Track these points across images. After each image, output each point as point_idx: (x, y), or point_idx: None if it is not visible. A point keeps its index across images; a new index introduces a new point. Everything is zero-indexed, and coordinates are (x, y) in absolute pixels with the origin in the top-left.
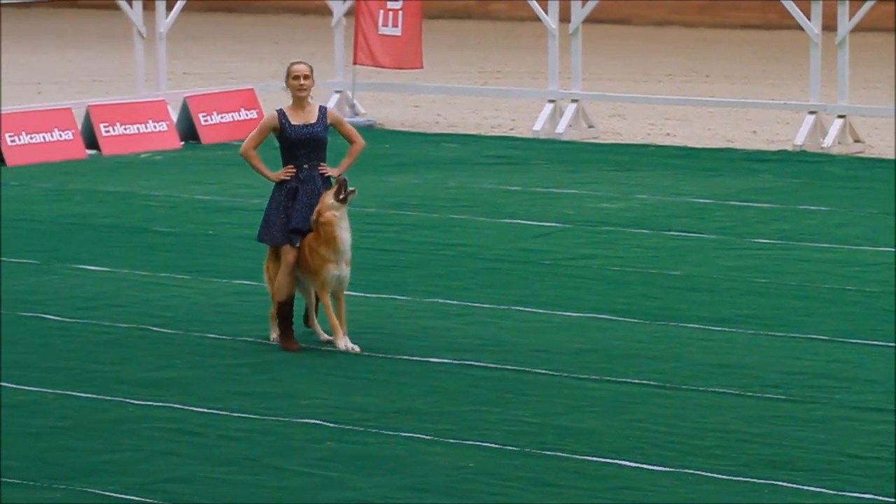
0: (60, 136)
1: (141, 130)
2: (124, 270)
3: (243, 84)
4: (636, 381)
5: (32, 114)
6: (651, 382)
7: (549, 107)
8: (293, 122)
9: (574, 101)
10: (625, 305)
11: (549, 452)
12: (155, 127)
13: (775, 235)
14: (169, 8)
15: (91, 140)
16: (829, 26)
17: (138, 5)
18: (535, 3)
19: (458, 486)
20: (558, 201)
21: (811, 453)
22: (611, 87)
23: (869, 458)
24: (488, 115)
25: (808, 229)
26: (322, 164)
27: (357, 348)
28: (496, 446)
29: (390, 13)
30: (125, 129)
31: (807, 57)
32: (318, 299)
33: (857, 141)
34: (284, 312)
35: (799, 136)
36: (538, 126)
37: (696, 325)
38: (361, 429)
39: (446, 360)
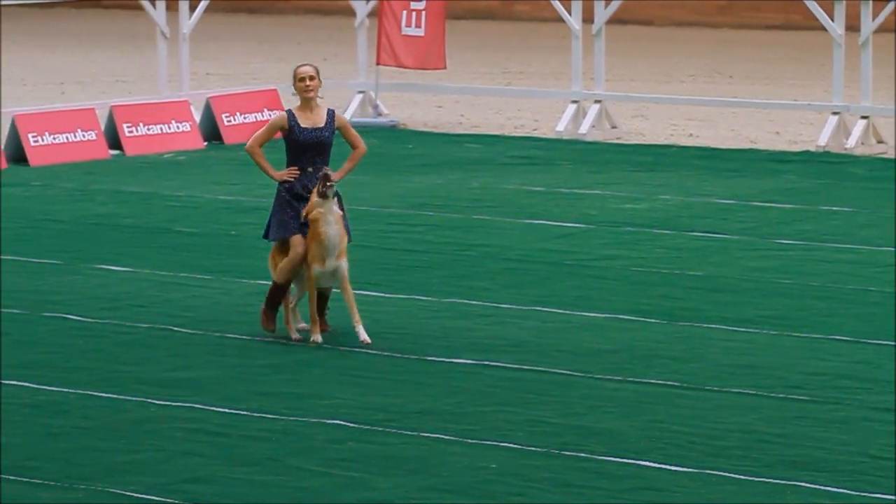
0: (84, 136)
1: (164, 131)
2: (147, 271)
3: (266, 84)
4: (658, 381)
5: (56, 114)
6: (673, 383)
7: (572, 107)
8: (302, 125)
9: (597, 101)
10: (647, 306)
11: (570, 453)
12: (178, 127)
13: (798, 236)
14: (192, 8)
15: (114, 140)
16: (853, 27)
17: (161, 6)
18: (558, 3)
19: (479, 486)
20: (581, 202)
21: (833, 454)
22: (634, 88)
23: (891, 459)
24: (511, 115)
25: (831, 230)
26: (326, 167)
27: (368, 340)
28: (518, 447)
29: (413, 14)
30: (148, 129)
31: (830, 57)
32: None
33: (880, 142)
34: (277, 296)
35: (822, 137)
36: (561, 126)
37: (719, 326)
38: (383, 429)
39: (468, 361)
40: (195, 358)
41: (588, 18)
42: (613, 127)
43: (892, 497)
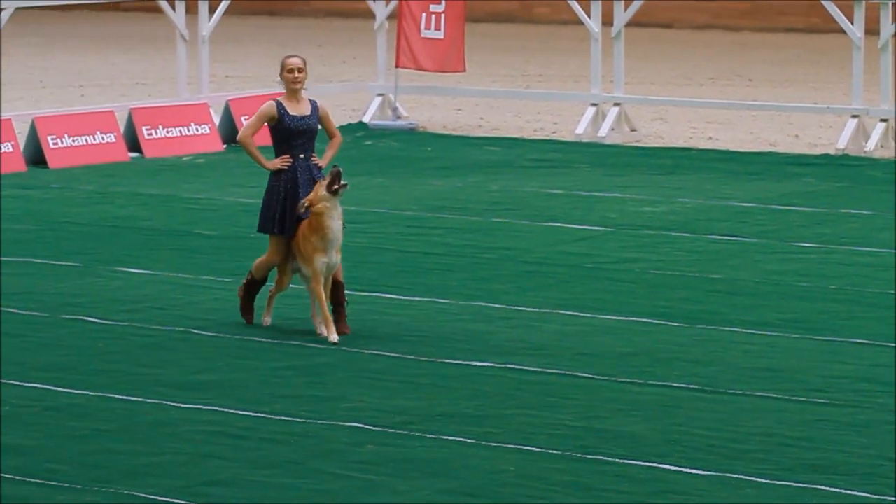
0: (103, 138)
1: (183, 133)
2: (166, 273)
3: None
4: (678, 384)
5: (75, 116)
6: (693, 386)
7: (591, 110)
8: (291, 113)
9: (616, 104)
10: (667, 309)
11: (591, 456)
12: (197, 130)
13: (817, 239)
14: (212, 11)
15: (133, 143)
16: (872, 30)
17: (181, 8)
18: (577, 6)
19: (500, 489)
20: (600, 205)
21: (854, 457)
22: (653, 91)
23: None
24: (531, 118)
25: (851, 233)
26: (314, 154)
27: (336, 339)
28: (539, 450)
29: (433, 16)
30: (167, 131)
31: (849, 61)
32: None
33: None
34: (253, 289)
35: (841, 140)
36: (581, 129)
37: (739, 329)
38: (404, 432)
39: (489, 364)
40: (215, 360)
41: (607, 21)
42: (633, 130)
43: None
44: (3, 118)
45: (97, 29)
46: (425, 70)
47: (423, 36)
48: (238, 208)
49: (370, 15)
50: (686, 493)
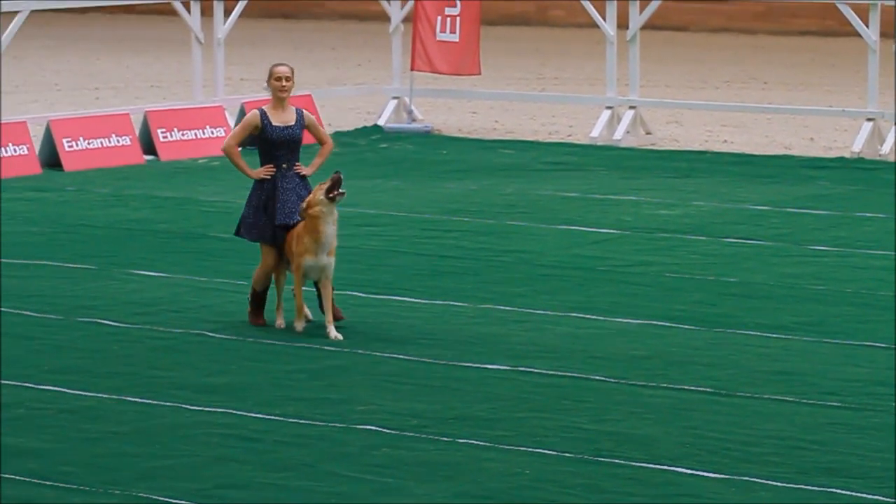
0: (118, 141)
1: (198, 136)
2: (181, 276)
3: (301, 90)
4: (693, 387)
5: (90, 119)
6: (708, 389)
7: (606, 113)
8: (274, 123)
9: (632, 107)
10: (682, 312)
11: (605, 459)
12: (212, 133)
13: (832, 242)
14: (227, 14)
15: (149, 145)
16: (887, 33)
17: (196, 11)
18: (592, 9)
19: (514, 492)
20: (615, 208)
21: (868, 461)
22: (668, 94)
23: None
24: (546, 121)
25: (866, 236)
26: (298, 163)
27: (340, 336)
28: (553, 453)
29: (448, 19)
30: (183, 134)
31: (865, 64)
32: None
33: None
34: (259, 299)
35: (856, 143)
36: (596, 132)
37: (753, 332)
38: (418, 435)
39: (503, 367)
40: (229, 363)
41: (623, 24)
42: (648, 133)
43: None
44: (18, 121)
45: (111, 31)
46: (440, 73)
47: (438, 39)
48: None
49: (385, 18)
50: (700, 496)
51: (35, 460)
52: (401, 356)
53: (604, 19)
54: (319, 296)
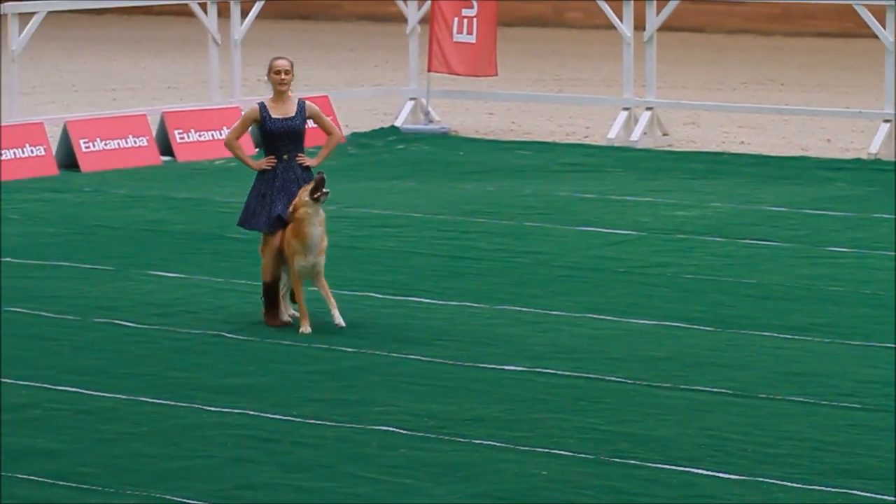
0: (135, 142)
1: (215, 137)
2: (199, 277)
3: (317, 91)
4: (710, 389)
5: (107, 120)
6: (725, 391)
7: (623, 114)
8: (273, 116)
9: (649, 108)
10: (699, 313)
11: (621, 460)
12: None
13: (849, 244)
14: (244, 15)
15: (166, 146)
16: None
17: (213, 12)
18: (609, 10)
19: (530, 493)
20: (632, 209)
21: (885, 462)
22: (685, 95)
23: None
24: (563, 122)
25: (883, 238)
26: (300, 154)
27: (343, 323)
28: (570, 454)
29: (465, 20)
30: (200, 135)
31: (882, 65)
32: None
33: None
34: (271, 292)
35: (873, 145)
36: (612, 134)
37: (770, 334)
38: (435, 436)
39: (520, 368)
40: (247, 364)
41: (640, 25)
42: (665, 134)
43: None
44: (35, 122)
45: (128, 33)
46: (457, 74)
47: (455, 40)
48: None
49: (402, 19)
50: (717, 497)
51: (53, 461)
52: (418, 357)
53: (621, 20)
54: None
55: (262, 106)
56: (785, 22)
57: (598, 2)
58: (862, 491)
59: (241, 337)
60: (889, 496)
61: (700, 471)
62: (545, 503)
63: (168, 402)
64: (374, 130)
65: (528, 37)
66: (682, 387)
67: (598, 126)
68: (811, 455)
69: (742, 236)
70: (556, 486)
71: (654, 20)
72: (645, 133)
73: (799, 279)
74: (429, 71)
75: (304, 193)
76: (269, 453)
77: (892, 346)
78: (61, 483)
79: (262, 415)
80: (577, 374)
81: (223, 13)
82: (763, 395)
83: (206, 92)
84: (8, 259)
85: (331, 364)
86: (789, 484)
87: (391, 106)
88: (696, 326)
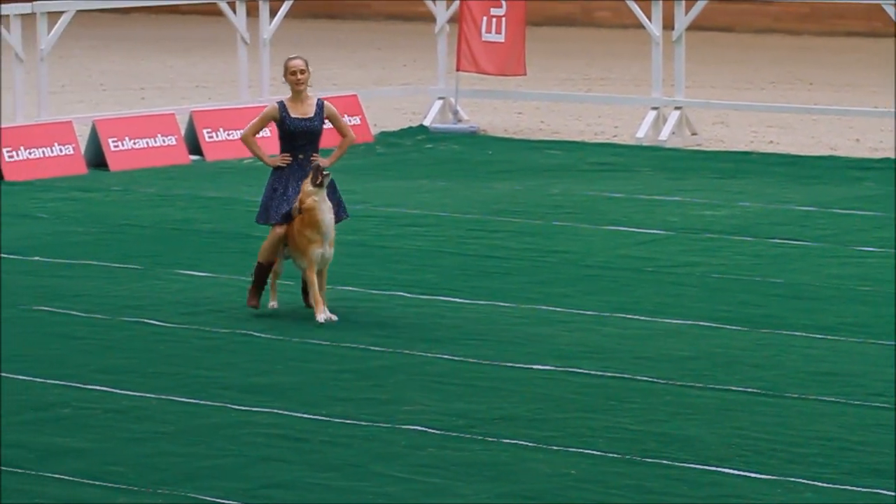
0: (164, 141)
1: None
2: (227, 276)
3: (346, 90)
4: (739, 388)
5: (136, 119)
6: (753, 390)
7: (652, 114)
8: (293, 115)
9: (677, 108)
10: (727, 313)
11: (651, 460)
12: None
13: (878, 243)
14: (272, 14)
15: (194, 146)
16: None
17: (242, 12)
18: (638, 9)
19: (560, 493)
20: (661, 208)
21: None
22: (714, 95)
23: None
24: (591, 122)
25: None
26: (315, 154)
27: (335, 318)
28: (599, 453)
29: (494, 20)
30: (228, 134)
31: None
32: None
33: None
34: (262, 274)
35: None
36: (641, 133)
37: (799, 333)
38: (464, 435)
39: (549, 367)
40: (276, 363)
41: (668, 25)
42: (694, 133)
43: None
44: (64, 121)
45: (156, 32)
46: (486, 73)
47: (483, 39)
48: None
49: (431, 18)
50: (746, 496)
51: (81, 460)
52: (447, 356)
53: (649, 20)
54: (304, 288)
55: (282, 105)
56: (814, 21)
57: (627, 1)
58: (890, 490)
59: (269, 336)
60: None
61: (729, 470)
62: (574, 502)
63: (197, 401)
64: (402, 130)
65: (556, 36)
66: (711, 386)
67: (626, 125)
68: (840, 455)
69: (771, 236)
70: (585, 486)
71: (682, 19)
72: (674, 132)
73: (828, 279)
74: (457, 70)
75: (306, 185)
76: (298, 452)
77: None
78: (90, 482)
79: (291, 414)
80: (606, 374)
81: (252, 12)
82: (792, 395)
83: (234, 91)
84: (37, 258)
85: (360, 363)
86: (818, 484)
87: (420, 105)
88: (724, 326)
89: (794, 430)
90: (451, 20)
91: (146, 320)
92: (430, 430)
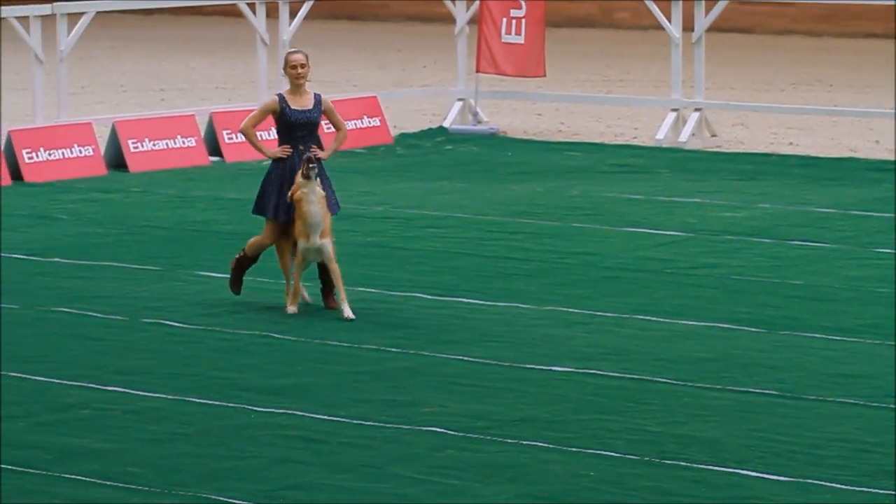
0: (183, 142)
1: (264, 138)
2: (246, 277)
3: (366, 92)
4: (757, 390)
5: (156, 120)
6: (772, 392)
7: (671, 115)
8: (293, 107)
9: (697, 109)
10: (746, 314)
11: (669, 461)
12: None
13: None
14: (292, 16)
15: (214, 147)
16: None
17: (262, 13)
18: (658, 11)
19: (578, 494)
20: (680, 210)
21: None
22: (734, 96)
23: None
24: (611, 123)
25: None
26: (314, 146)
27: (352, 316)
28: (617, 455)
29: (513, 21)
30: None
31: None
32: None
33: None
34: (247, 265)
35: None
36: (661, 135)
37: (818, 335)
38: (483, 437)
39: (568, 369)
40: (295, 365)
41: (688, 26)
42: (713, 135)
43: None
44: (83, 122)
45: (177, 33)
46: (506, 75)
47: (503, 41)
48: None
49: (451, 19)
50: (764, 498)
51: (100, 461)
52: (465, 358)
53: (669, 21)
54: (323, 287)
55: (281, 97)
56: (833, 23)
57: (647, 2)
58: None
59: (288, 337)
60: None
61: (747, 472)
62: None
63: (215, 403)
64: (422, 131)
65: (576, 37)
66: (729, 388)
67: (646, 127)
68: (859, 457)
69: (790, 237)
70: (603, 487)
71: (702, 21)
72: (693, 134)
73: (847, 280)
74: (477, 72)
75: (298, 177)
76: (316, 454)
77: None
78: (108, 483)
79: (310, 415)
80: (624, 375)
81: (271, 14)
82: (811, 397)
83: (254, 92)
84: (57, 259)
85: (378, 364)
86: (837, 486)
87: (439, 107)
88: (743, 328)
89: (813, 431)
90: (471, 21)
91: (165, 321)
92: (448, 432)
